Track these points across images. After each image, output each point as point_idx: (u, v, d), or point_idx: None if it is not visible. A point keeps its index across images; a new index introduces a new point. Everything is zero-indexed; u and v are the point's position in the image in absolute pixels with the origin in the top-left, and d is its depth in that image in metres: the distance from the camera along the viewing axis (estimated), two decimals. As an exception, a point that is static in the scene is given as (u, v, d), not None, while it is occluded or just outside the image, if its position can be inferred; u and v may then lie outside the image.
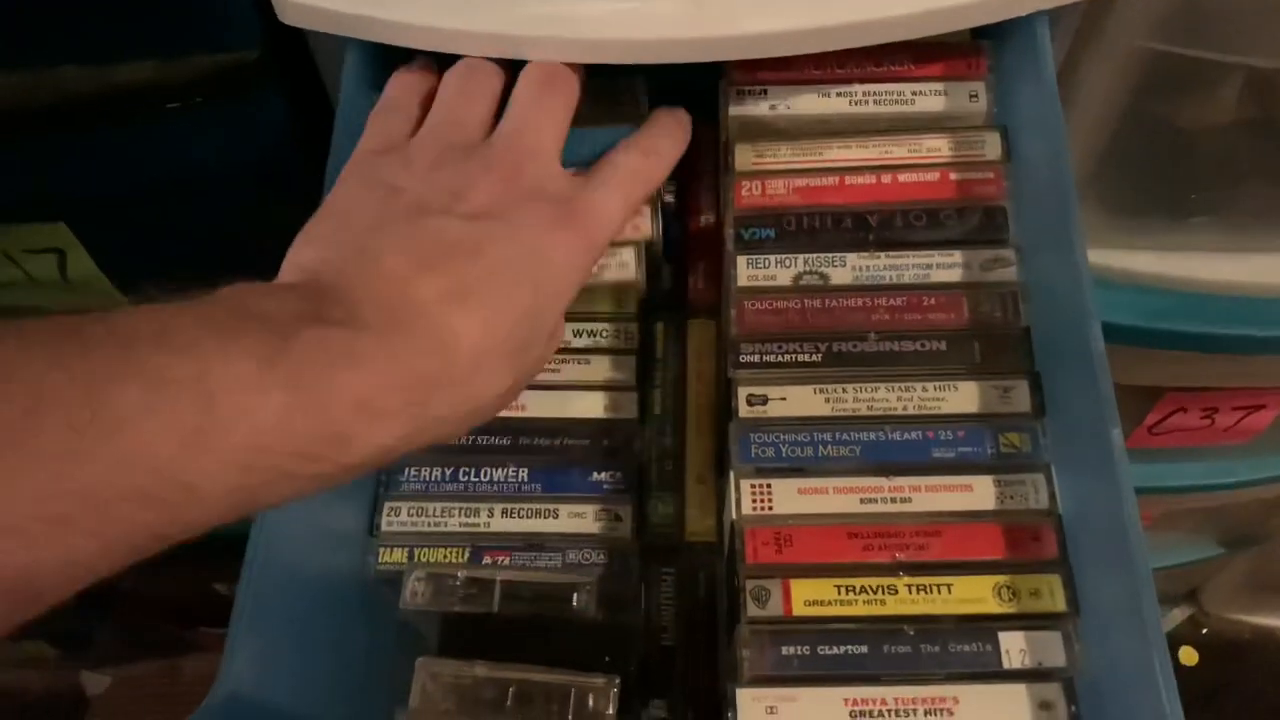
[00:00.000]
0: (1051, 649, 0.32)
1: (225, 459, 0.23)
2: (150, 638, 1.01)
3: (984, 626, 0.33)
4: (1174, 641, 1.05)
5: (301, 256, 0.31)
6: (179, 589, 0.90)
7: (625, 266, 0.41)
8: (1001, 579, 0.33)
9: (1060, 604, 0.33)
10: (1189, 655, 1.04)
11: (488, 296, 0.30)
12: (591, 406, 0.44)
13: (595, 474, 0.42)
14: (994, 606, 0.33)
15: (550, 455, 0.43)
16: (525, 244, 0.31)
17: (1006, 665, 0.32)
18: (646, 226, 0.41)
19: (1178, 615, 1.05)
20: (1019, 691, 0.32)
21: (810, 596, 0.33)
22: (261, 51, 0.41)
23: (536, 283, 0.31)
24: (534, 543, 0.41)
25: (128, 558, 0.23)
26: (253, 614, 0.34)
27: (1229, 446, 0.68)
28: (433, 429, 0.29)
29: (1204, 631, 1.06)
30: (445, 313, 0.29)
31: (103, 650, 1.01)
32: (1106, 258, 0.54)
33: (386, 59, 0.42)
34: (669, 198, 0.50)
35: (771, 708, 0.32)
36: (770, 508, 0.35)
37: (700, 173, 0.49)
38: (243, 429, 0.24)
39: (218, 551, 0.35)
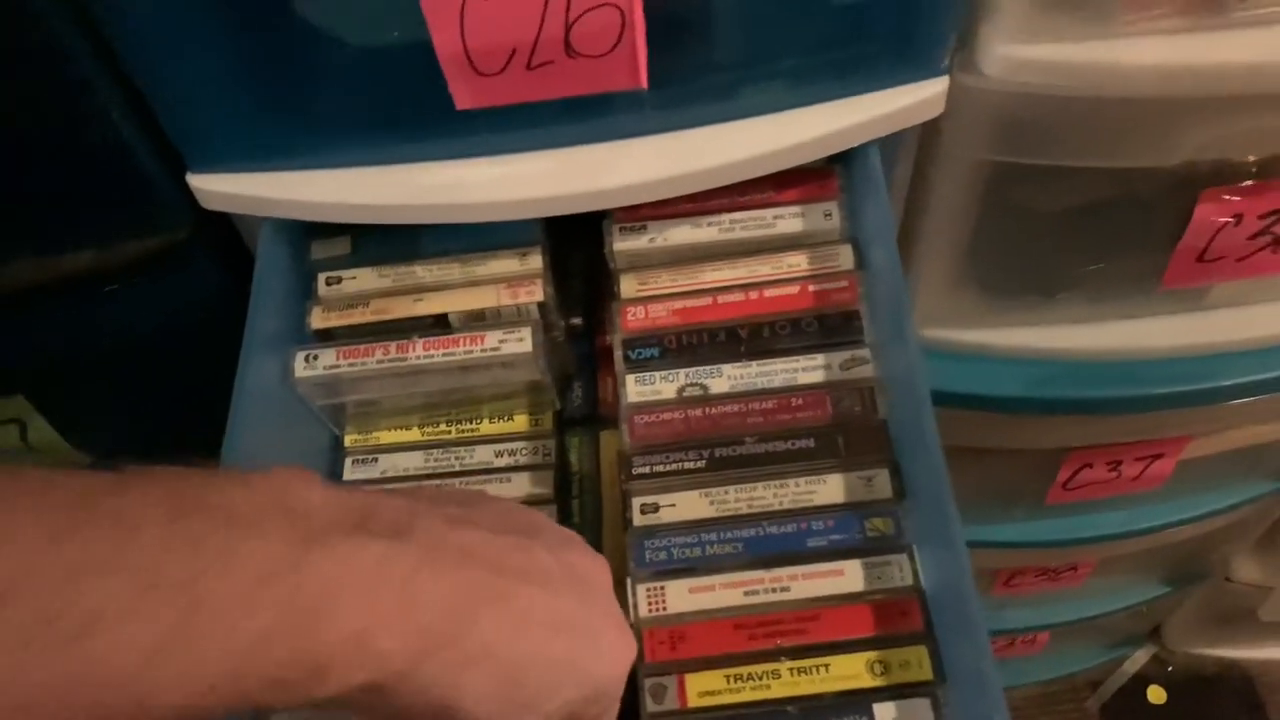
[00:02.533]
0: (921, 716, 0.36)
1: (188, 678, 0.22)
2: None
3: (859, 700, 0.36)
4: (1141, 681, 1.07)
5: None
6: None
7: (523, 340, 0.44)
8: (874, 655, 0.37)
9: (928, 673, 0.37)
10: (1157, 694, 1.06)
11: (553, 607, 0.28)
12: (515, 521, 0.47)
13: (522, 584, 0.46)
14: (868, 681, 0.37)
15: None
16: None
17: (881, 735, 0.35)
18: (539, 290, 0.45)
19: (1141, 656, 1.07)
20: (894, 758, 0.35)
21: (703, 688, 0.37)
22: (191, 231, 0.46)
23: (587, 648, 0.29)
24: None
25: None
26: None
27: (1143, 493, 0.72)
28: (426, 690, 0.25)
29: (1169, 669, 1.08)
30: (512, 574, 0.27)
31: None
32: (990, 336, 0.59)
33: (298, 227, 0.47)
34: (577, 320, 0.55)
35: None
36: (664, 608, 0.39)
37: (604, 296, 0.54)
38: (215, 649, 0.22)
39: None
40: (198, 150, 0.42)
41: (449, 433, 0.50)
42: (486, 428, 0.50)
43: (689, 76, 0.41)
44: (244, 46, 0.39)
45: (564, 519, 0.48)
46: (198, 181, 0.43)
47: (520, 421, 0.50)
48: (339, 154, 0.43)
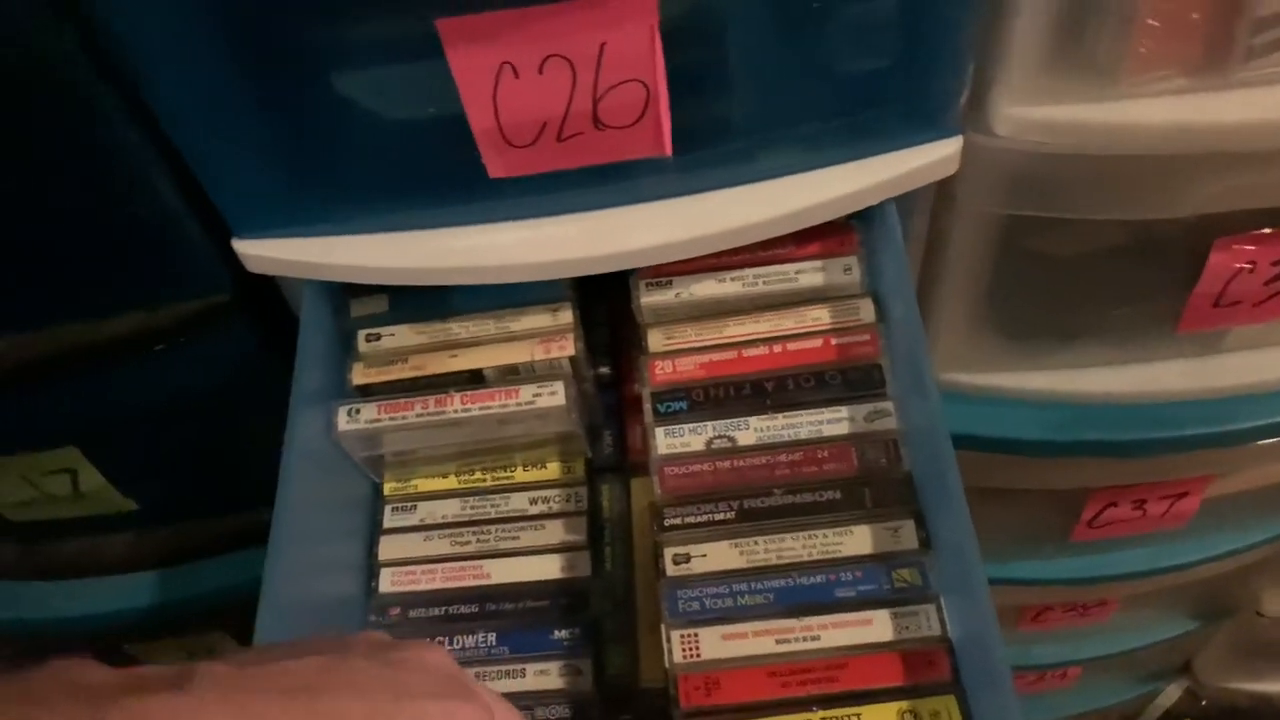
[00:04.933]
0: (951, 764, 0.37)
1: None
2: None
3: (890, 748, 0.37)
4: (1175, 716, 1.06)
5: None
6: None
7: (556, 394, 0.46)
8: (904, 704, 0.38)
9: (956, 721, 0.37)
10: (1191, 729, 1.05)
11: None
12: (549, 568, 0.49)
13: (556, 632, 0.47)
14: (899, 729, 0.37)
15: (514, 618, 0.47)
16: None
17: (912, 782, 0.36)
18: (570, 345, 0.47)
19: (1174, 692, 1.06)
20: (925, 806, 0.36)
21: (737, 736, 0.38)
22: (233, 293, 0.48)
23: None
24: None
25: None
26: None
27: (1169, 531, 0.72)
28: None
29: (1203, 703, 1.07)
30: None
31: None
32: (1011, 379, 0.60)
33: (338, 286, 0.49)
34: (605, 369, 0.57)
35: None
36: (699, 654, 0.40)
37: (630, 347, 0.56)
38: None
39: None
40: (242, 218, 0.44)
41: (485, 480, 0.51)
42: (521, 475, 0.52)
43: (711, 143, 0.42)
44: (287, 122, 0.41)
45: (596, 564, 0.49)
46: (242, 247, 0.45)
47: (553, 469, 0.52)
48: (376, 220, 0.45)
